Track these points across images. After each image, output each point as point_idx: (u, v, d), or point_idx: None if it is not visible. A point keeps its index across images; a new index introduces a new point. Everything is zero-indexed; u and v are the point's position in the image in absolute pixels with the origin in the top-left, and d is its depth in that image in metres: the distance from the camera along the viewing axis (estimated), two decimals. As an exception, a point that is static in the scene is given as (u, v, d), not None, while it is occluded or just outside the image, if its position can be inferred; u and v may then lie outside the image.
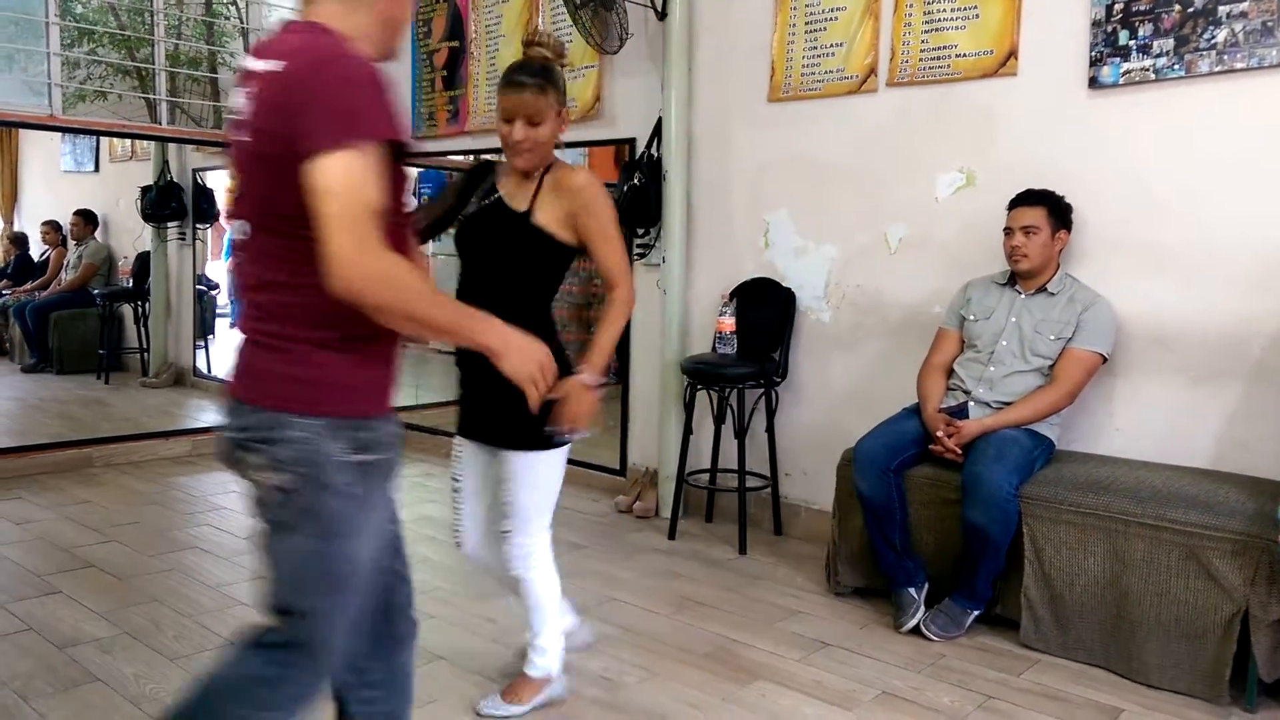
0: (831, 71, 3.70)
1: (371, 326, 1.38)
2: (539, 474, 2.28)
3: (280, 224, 1.38)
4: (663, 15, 4.01)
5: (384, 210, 1.35)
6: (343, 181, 1.29)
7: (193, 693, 1.52)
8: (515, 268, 2.22)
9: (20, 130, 7.79)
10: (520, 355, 1.55)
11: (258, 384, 1.45)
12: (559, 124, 2.19)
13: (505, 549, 2.32)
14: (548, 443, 2.23)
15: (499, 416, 2.23)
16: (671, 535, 3.83)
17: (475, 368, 2.17)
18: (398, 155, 1.41)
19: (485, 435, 2.30)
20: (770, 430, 3.82)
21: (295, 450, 1.41)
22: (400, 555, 1.70)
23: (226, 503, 4.23)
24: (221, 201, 7.24)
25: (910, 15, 3.49)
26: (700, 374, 3.76)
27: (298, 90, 1.32)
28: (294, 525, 1.45)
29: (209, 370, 7.00)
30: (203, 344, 7.06)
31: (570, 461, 4.86)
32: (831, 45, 3.70)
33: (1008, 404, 2.97)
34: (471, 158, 5.37)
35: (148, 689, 2.45)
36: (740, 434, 3.70)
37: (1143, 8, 2.99)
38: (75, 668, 2.55)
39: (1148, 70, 3.00)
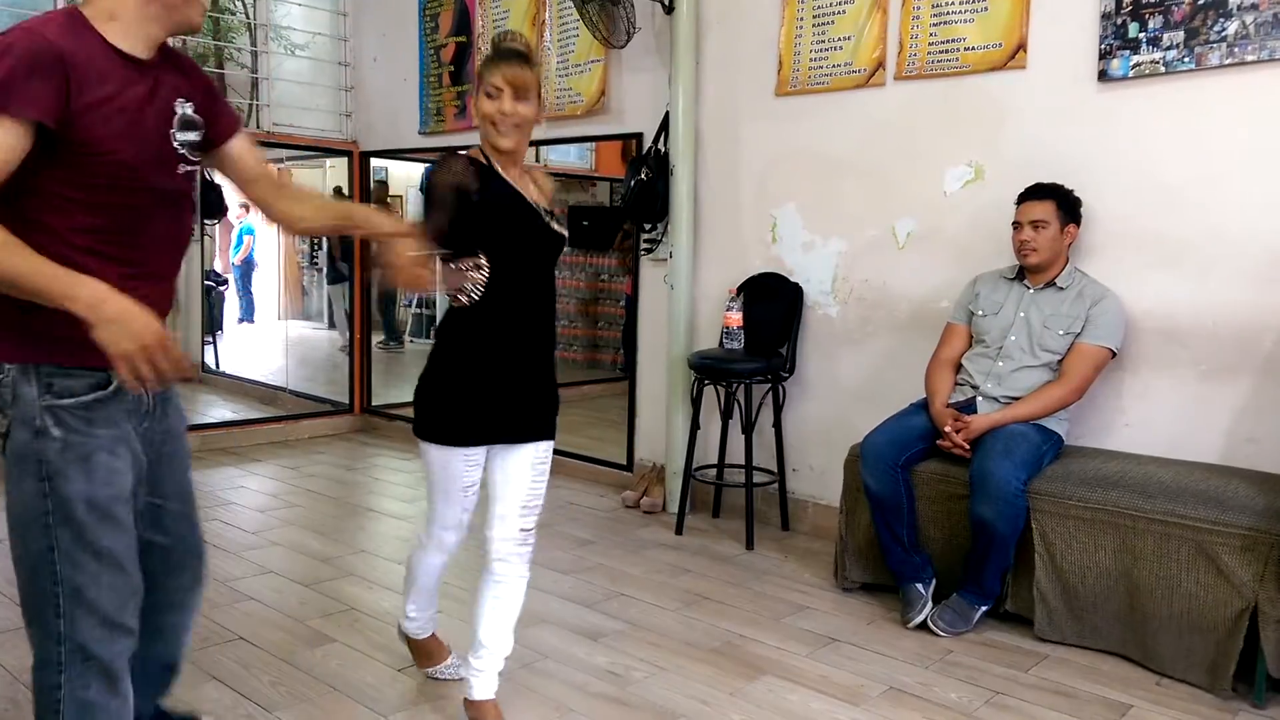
0: (839, 65, 3.69)
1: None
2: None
3: None
4: (670, 9, 4.00)
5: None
6: None
7: None
8: (552, 269, 2.22)
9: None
10: (119, 326, 1.39)
11: None
12: (539, 110, 2.12)
13: (523, 549, 2.22)
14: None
15: (539, 407, 2.20)
16: (679, 531, 3.82)
17: (507, 366, 2.13)
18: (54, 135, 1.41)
19: (523, 432, 2.18)
20: (777, 425, 3.81)
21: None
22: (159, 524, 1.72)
23: (236, 498, 4.25)
24: (231, 197, 7.28)
25: (919, 8, 3.47)
26: (707, 369, 3.75)
27: None
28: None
29: (217, 366, 7.02)
30: (211, 340, 7.08)
31: (577, 456, 4.88)
32: (839, 39, 3.68)
33: (1016, 399, 2.96)
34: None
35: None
36: (747, 429, 3.69)
37: (1153, 0, 2.97)
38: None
39: (1158, 63, 2.98)
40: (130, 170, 1.50)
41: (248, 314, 7.98)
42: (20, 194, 1.42)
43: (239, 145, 1.76)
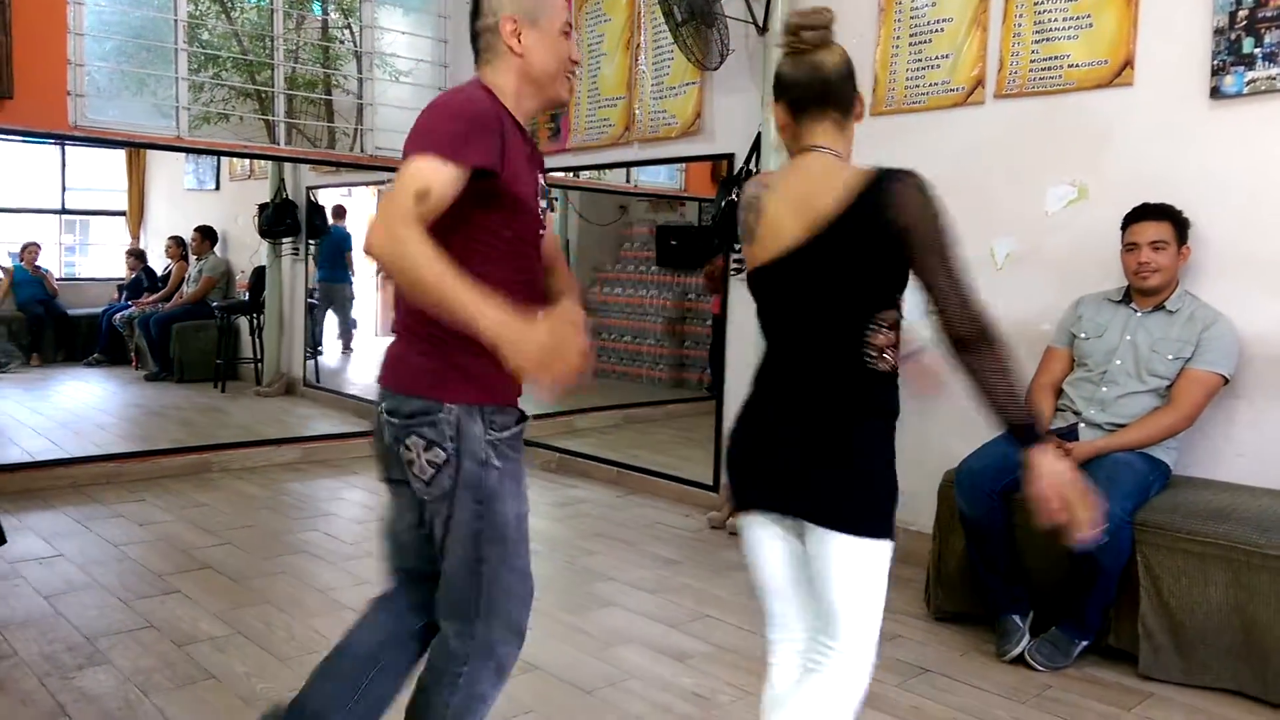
0: (937, 84, 3.64)
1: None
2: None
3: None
4: (763, 30, 4.01)
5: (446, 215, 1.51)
6: (403, 175, 1.49)
7: None
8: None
9: (148, 150, 8.23)
10: (517, 346, 1.43)
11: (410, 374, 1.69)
12: None
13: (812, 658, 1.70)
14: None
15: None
16: (767, 553, 3.79)
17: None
18: (487, 179, 1.57)
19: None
20: (869, 449, 3.75)
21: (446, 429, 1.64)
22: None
23: (335, 509, 4.38)
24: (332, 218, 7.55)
25: (1020, 25, 3.41)
26: (797, 391, 3.71)
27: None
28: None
29: (318, 380, 7.26)
30: (313, 355, 7.32)
31: (663, 476, 4.89)
32: (937, 57, 3.64)
33: (1121, 426, 2.85)
34: (572, 174, 5.44)
35: (259, 687, 2.54)
36: (838, 452, 3.64)
37: (1269, 14, 2.86)
38: (192, 665, 2.67)
39: (1274, 79, 2.86)
40: (535, 225, 1.71)
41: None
42: (451, 237, 1.54)
43: None
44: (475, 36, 1.73)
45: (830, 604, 1.65)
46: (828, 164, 1.68)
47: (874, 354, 1.68)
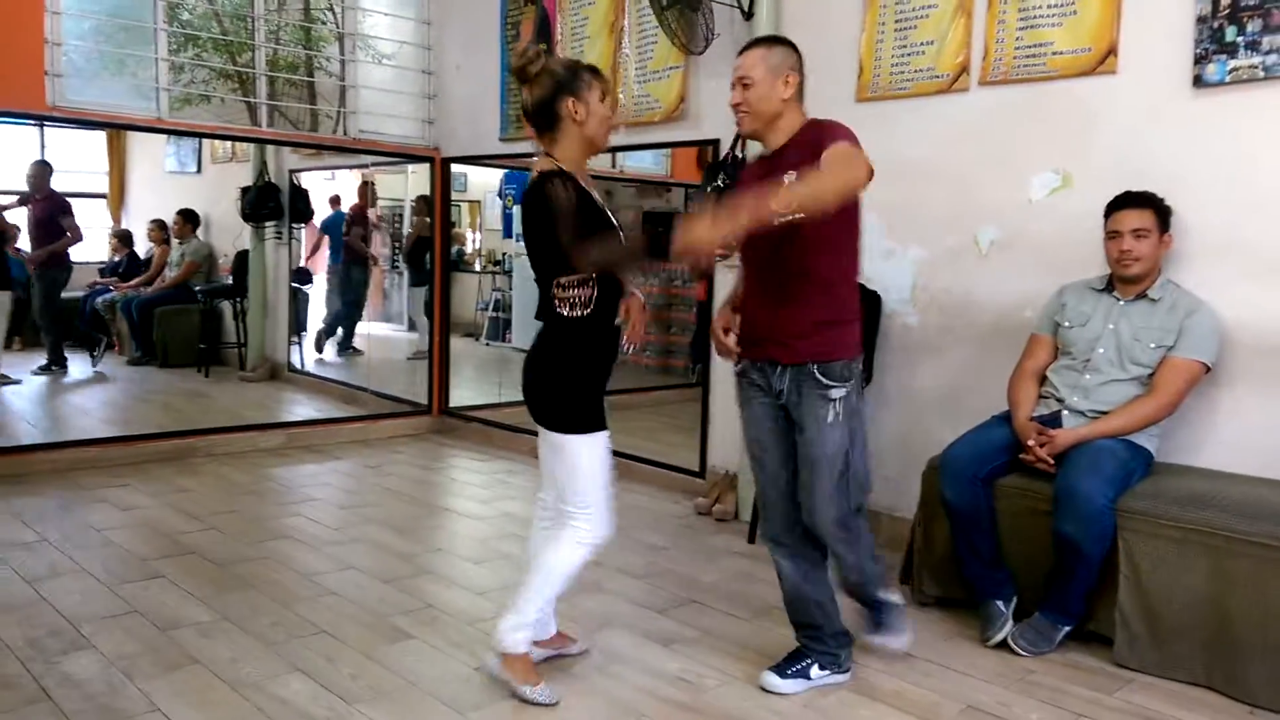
0: (922, 70, 3.64)
1: None
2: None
3: None
4: (749, 15, 4.00)
5: None
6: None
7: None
8: None
9: (128, 132, 8.13)
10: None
11: None
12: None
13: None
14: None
15: None
16: (751, 539, 3.81)
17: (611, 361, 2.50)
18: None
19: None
20: (853, 435, 3.77)
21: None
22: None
23: (319, 494, 4.37)
24: (315, 201, 7.48)
25: (1005, 12, 3.41)
26: (783, 377, 3.72)
27: None
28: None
29: (302, 365, 7.23)
30: (297, 340, 7.28)
31: (649, 462, 4.91)
32: (922, 44, 3.63)
33: (1104, 413, 2.88)
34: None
35: (244, 672, 2.54)
36: (823, 438, 3.65)
37: (1252, 2, 2.87)
38: (176, 649, 2.67)
39: (1256, 68, 2.87)
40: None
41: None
42: None
43: None
44: None
45: (556, 478, 2.48)
46: (537, 165, 2.41)
47: (562, 306, 2.36)
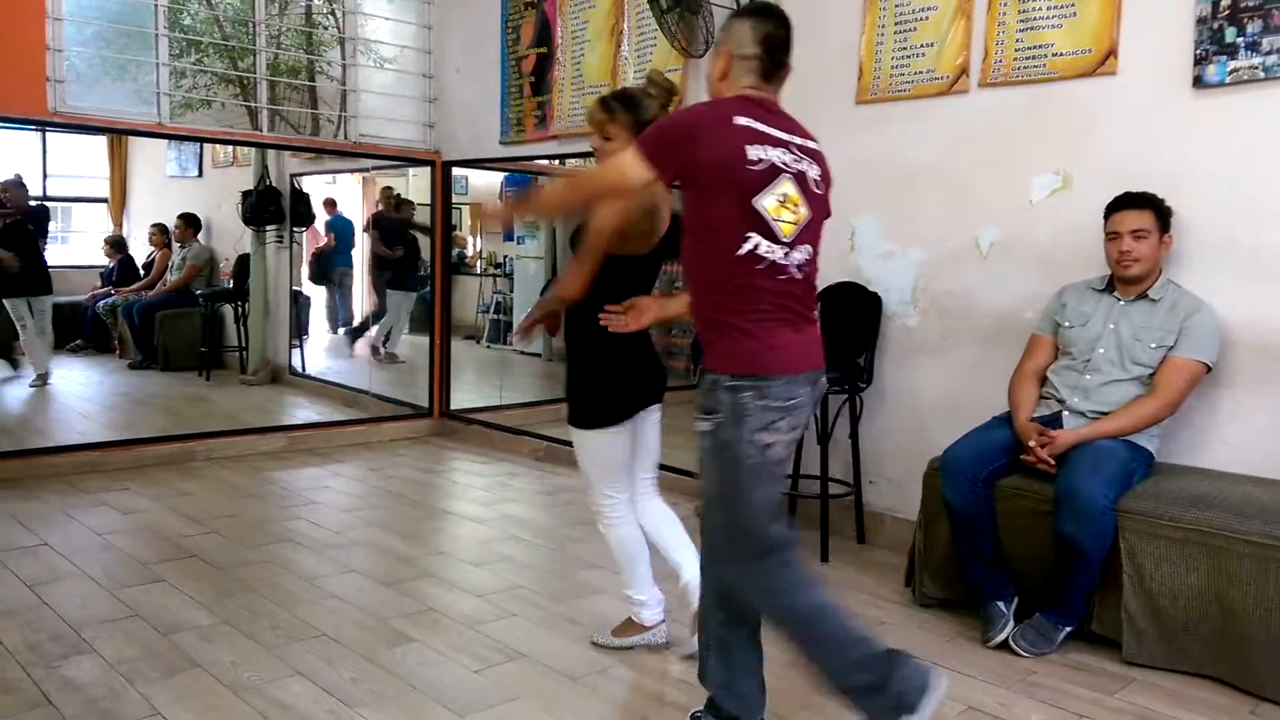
0: (921, 72, 3.64)
1: None
2: None
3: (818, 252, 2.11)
4: (749, 18, 3.99)
5: None
6: None
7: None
8: None
9: (129, 137, 8.15)
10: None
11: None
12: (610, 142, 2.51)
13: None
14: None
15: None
16: (753, 540, 3.80)
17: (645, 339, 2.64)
18: None
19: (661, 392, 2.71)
20: (854, 437, 3.77)
21: None
22: None
23: (320, 497, 4.37)
24: (321, 205, 7.49)
25: (1005, 14, 3.41)
26: (784, 379, 3.72)
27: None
28: None
29: (304, 369, 7.23)
30: (298, 343, 7.29)
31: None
32: (922, 45, 3.64)
33: (1104, 414, 2.87)
34: (556, 162, 5.44)
35: (245, 676, 2.54)
36: (823, 440, 3.66)
37: (1252, 3, 2.87)
38: (177, 653, 2.67)
39: (1257, 69, 2.87)
40: None
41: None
42: None
43: None
44: (782, 66, 2.11)
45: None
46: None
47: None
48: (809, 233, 2.05)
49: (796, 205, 2.00)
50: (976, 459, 2.92)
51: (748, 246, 1.95)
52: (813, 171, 2.07)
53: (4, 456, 4.51)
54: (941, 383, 3.66)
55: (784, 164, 1.99)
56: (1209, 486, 2.75)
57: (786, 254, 1.99)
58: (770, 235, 1.97)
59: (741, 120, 1.96)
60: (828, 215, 2.15)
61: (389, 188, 7.37)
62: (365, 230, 7.56)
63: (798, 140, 2.06)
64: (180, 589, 3.15)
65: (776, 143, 2.00)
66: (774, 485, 2.06)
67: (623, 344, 2.52)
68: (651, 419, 2.71)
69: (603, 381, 2.58)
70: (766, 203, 1.96)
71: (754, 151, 1.95)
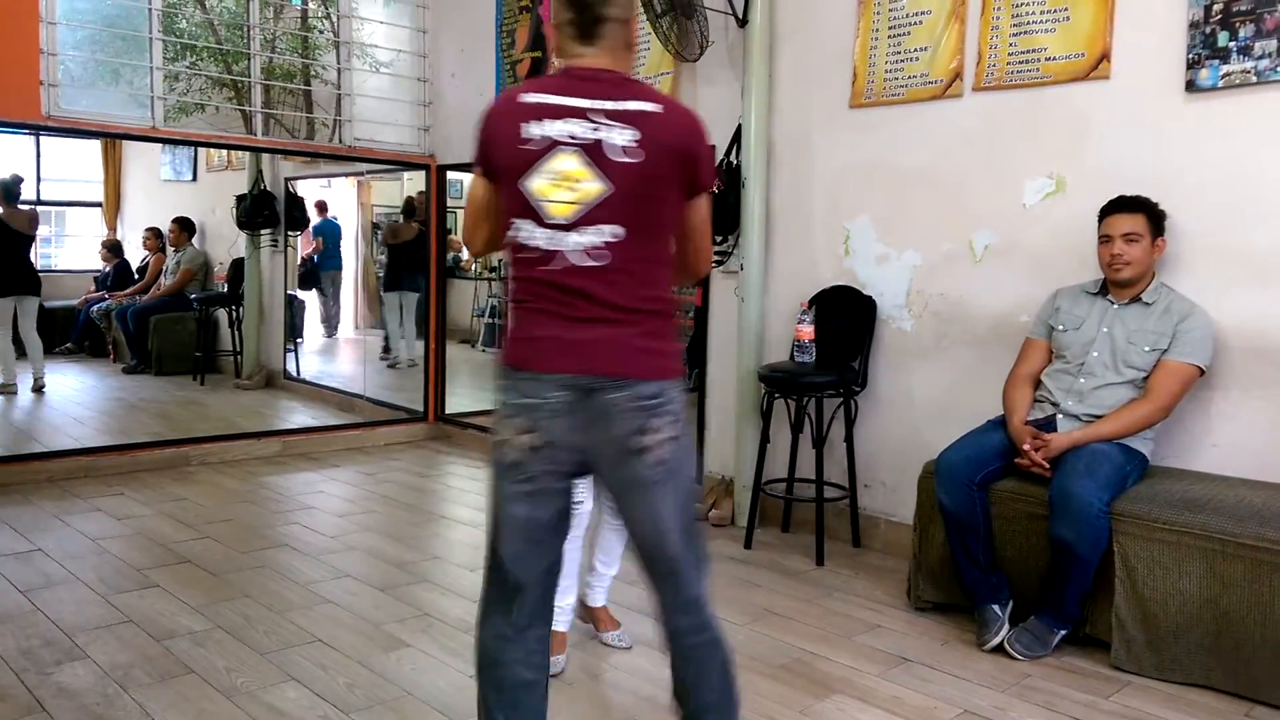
0: (915, 76, 3.65)
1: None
2: None
3: (658, 232, 1.77)
4: (744, 22, 4.01)
5: None
6: (707, 213, 1.83)
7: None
8: None
9: (123, 141, 8.14)
10: None
11: (664, 359, 1.77)
12: None
13: None
14: None
15: None
16: (747, 545, 3.81)
17: None
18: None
19: None
20: (849, 440, 3.77)
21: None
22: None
23: (315, 502, 4.36)
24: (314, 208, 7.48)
25: (998, 18, 3.42)
26: (778, 382, 3.73)
27: (697, 139, 1.77)
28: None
29: (298, 373, 7.21)
30: (292, 348, 7.27)
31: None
32: (916, 50, 3.65)
33: (1098, 417, 2.88)
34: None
35: (239, 682, 2.53)
36: (818, 444, 3.66)
37: (1244, 8, 2.88)
38: (171, 659, 2.66)
39: (1249, 73, 2.88)
40: None
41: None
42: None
43: None
44: (599, 20, 1.76)
45: None
46: None
47: None
48: (608, 211, 1.70)
49: (577, 181, 1.71)
50: (971, 462, 2.93)
51: (511, 233, 1.76)
52: (618, 138, 1.71)
53: (-3, 461, 4.50)
54: (936, 386, 3.66)
55: (569, 137, 1.71)
56: (1203, 490, 2.75)
57: (553, 239, 1.71)
58: (537, 219, 1.72)
59: (530, 98, 1.74)
60: (663, 185, 1.74)
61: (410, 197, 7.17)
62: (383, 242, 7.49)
63: (608, 105, 1.72)
64: (174, 594, 3.14)
65: (568, 113, 1.72)
66: (508, 500, 1.78)
67: None
68: None
69: None
70: (533, 183, 1.71)
71: (531, 129, 1.72)
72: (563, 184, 1.71)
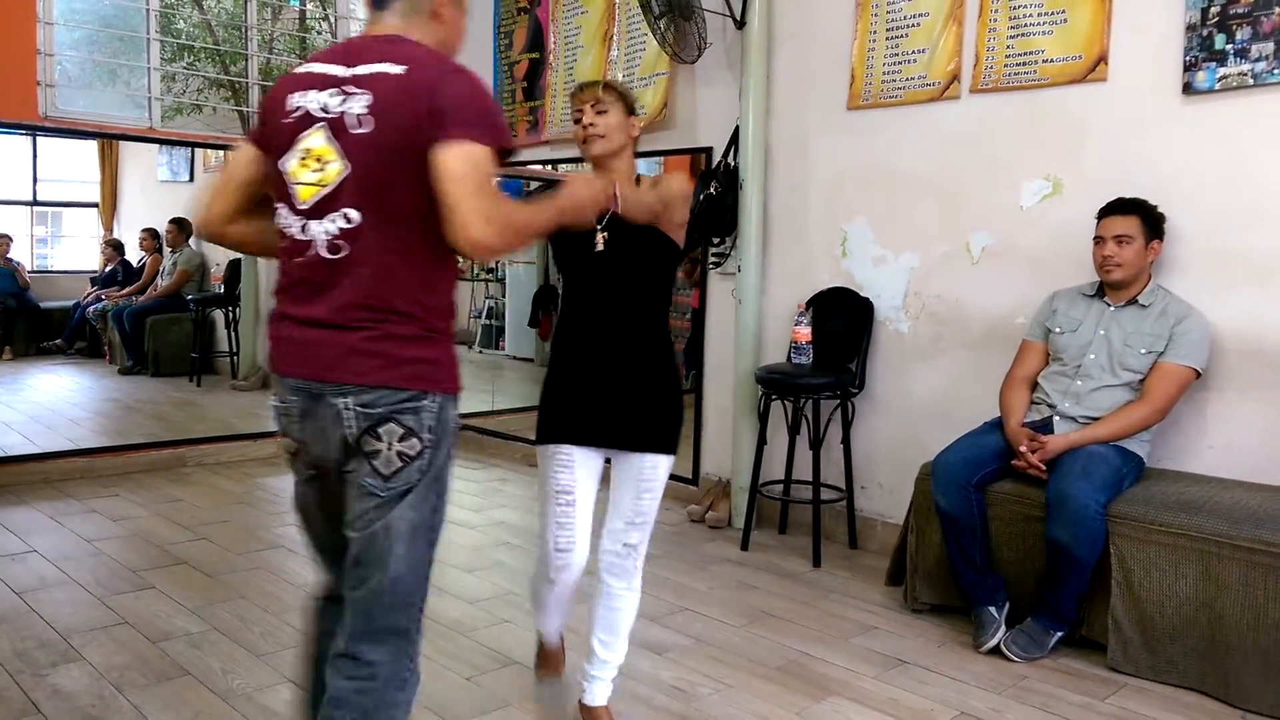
0: (913, 78, 3.65)
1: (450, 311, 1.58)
2: (666, 478, 2.22)
3: (404, 217, 1.48)
4: (741, 24, 4.01)
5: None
6: (470, 163, 1.42)
7: None
8: (617, 281, 2.19)
9: (120, 141, 8.13)
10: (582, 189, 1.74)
11: (395, 367, 1.51)
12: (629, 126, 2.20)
13: (628, 563, 2.23)
14: (674, 443, 2.22)
15: (637, 416, 2.16)
16: (744, 546, 3.81)
17: (591, 364, 2.14)
18: (503, 160, 1.53)
19: (614, 439, 2.17)
20: (846, 442, 3.77)
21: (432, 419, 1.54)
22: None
23: (310, 504, 4.35)
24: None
25: (995, 20, 3.42)
26: (775, 384, 3.73)
27: (443, 87, 1.46)
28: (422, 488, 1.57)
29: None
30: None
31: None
32: (913, 52, 3.65)
33: (1095, 419, 2.88)
34: (549, 166, 5.44)
35: (235, 683, 2.53)
36: (815, 445, 3.66)
37: (1241, 10, 2.89)
38: (167, 661, 2.65)
39: (1246, 75, 2.89)
40: None
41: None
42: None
43: None
44: None
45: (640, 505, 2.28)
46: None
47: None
48: (347, 195, 1.48)
49: (321, 161, 1.49)
50: (968, 464, 2.93)
51: (275, 219, 1.57)
52: (355, 107, 1.47)
53: (-7, 462, 4.49)
54: (933, 388, 3.67)
55: (321, 110, 1.50)
56: (1199, 492, 2.76)
57: (304, 226, 1.51)
58: (290, 204, 1.53)
59: (304, 66, 1.57)
60: (400, 159, 1.46)
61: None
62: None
63: (362, 70, 1.50)
64: (170, 596, 3.14)
65: (326, 83, 1.51)
66: (301, 512, 1.74)
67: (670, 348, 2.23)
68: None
69: (678, 392, 2.23)
70: (288, 164, 1.52)
71: (294, 100, 1.52)
72: (310, 164, 1.50)
